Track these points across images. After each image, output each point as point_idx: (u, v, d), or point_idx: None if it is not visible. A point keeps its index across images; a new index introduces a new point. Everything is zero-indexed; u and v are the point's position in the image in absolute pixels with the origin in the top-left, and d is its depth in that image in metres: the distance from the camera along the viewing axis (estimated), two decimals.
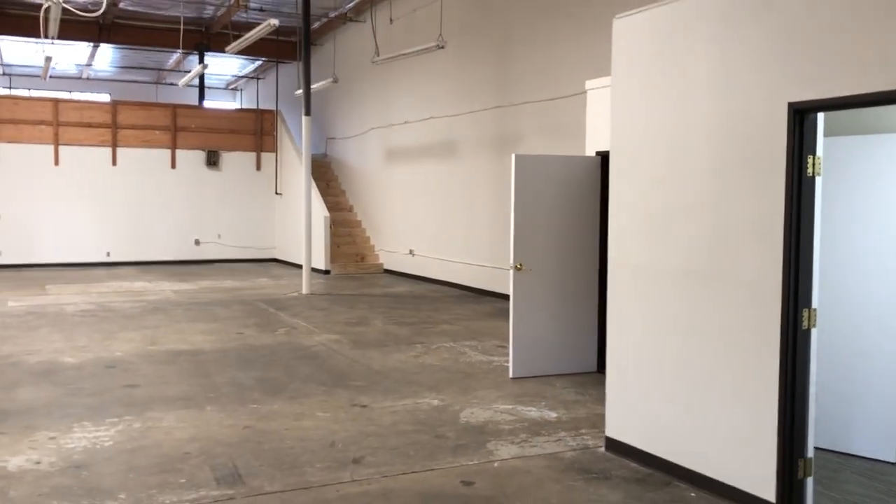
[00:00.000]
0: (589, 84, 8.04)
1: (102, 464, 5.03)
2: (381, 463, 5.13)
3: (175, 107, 19.92)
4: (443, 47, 11.77)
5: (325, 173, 20.27)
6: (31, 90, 26.24)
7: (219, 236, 19.89)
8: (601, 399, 6.70)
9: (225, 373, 7.68)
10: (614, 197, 5.39)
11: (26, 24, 18.88)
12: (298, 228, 18.72)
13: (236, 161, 20.15)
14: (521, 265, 7.51)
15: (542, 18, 12.34)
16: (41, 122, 18.26)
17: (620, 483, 4.85)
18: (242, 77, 27.50)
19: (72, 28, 17.52)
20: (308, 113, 13.88)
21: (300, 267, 18.20)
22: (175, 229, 19.44)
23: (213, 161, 19.81)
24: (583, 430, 5.93)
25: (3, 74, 25.87)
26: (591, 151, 7.98)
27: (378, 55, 13.59)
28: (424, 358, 8.45)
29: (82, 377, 7.41)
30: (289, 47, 20.24)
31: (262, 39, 19.86)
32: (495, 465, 5.14)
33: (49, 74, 26.06)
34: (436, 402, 6.67)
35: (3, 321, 10.51)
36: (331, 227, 17.52)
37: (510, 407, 6.53)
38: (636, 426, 5.23)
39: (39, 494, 4.51)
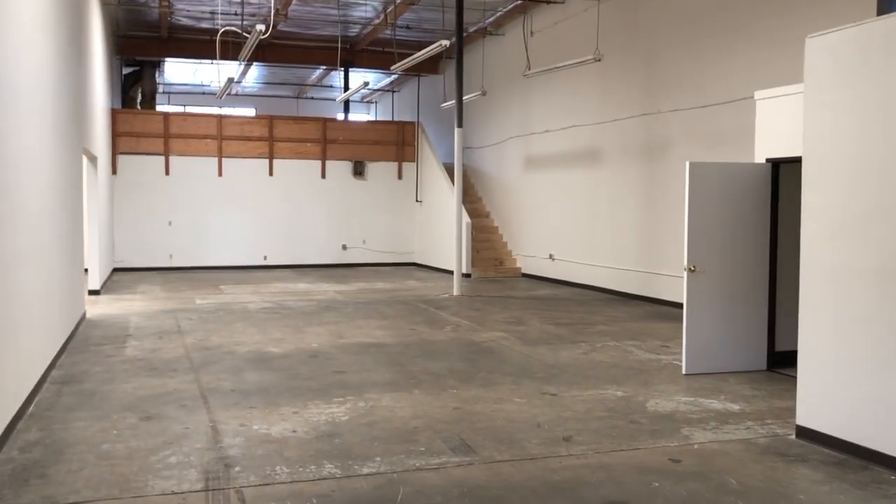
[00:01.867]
0: (758, 94, 8.39)
1: (348, 434, 5.83)
2: (589, 442, 5.71)
3: (325, 120, 21.22)
4: (599, 60, 12.28)
5: (462, 181, 21.05)
6: (186, 106, 28.42)
7: (363, 242, 21.03)
8: (777, 394, 7.09)
9: (416, 363, 8.46)
10: (807, 202, 5.79)
11: (188, 47, 20.65)
12: (439, 234, 19.69)
13: (379, 171, 21.25)
14: (694, 267, 7.94)
15: (688, 27, 12.67)
16: (207, 137, 19.88)
17: (819, 465, 5.25)
18: (378, 90, 28.78)
19: (234, 49, 19.03)
20: (461, 125, 14.65)
21: (441, 270, 19.20)
22: (325, 235, 20.71)
23: (359, 171, 20.98)
24: (768, 421, 6.33)
25: (163, 93, 28.08)
26: (760, 158, 8.32)
27: (529, 68, 14.23)
28: (593, 355, 8.98)
29: (293, 365, 8.35)
30: (428, 62, 21.19)
31: (397, 56, 21.03)
32: (695, 447, 5.63)
33: (204, 91, 28.17)
34: (619, 393, 7.20)
35: (202, 317, 11.73)
36: (472, 233, 18.27)
37: (691, 399, 6.99)
38: (829, 415, 5.61)
39: (310, 455, 5.33)
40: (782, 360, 8.30)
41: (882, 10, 6.17)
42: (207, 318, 11.64)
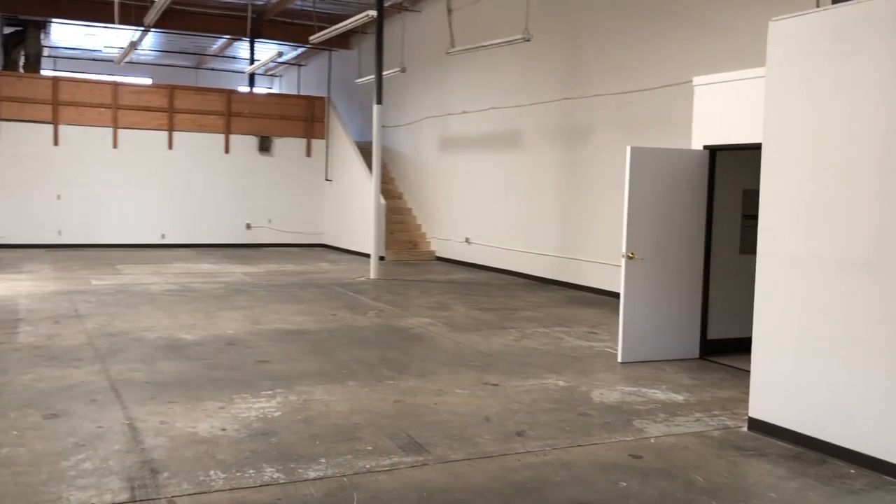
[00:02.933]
0: (697, 80, 8.30)
1: (284, 432, 5.34)
2: (543, 437, 5.43)
3: (230, 92, 20.21)
4: (528, 40, 12.02)
5: None
6: (76, 73, 26.57)
7: (269, 221, 20.20)
8: (716, 384, 7.03)
9: (344, 351, 7.99)
10: (767, 189, 5.66)
11: (81, 8, 19.19)
12: (350, 214, 19.12)
13: (287, 147, 20.43)
14: (633, 254, 7.79)
15: (614, 12, 12.57)
16: (101, 105, 18.56)
17: (778, 460, 5.15)
18: (283, 64, 27.73)
19: (130, 13, 17.78)
20: (380, 102, 14.13)
21: (352, 253, 18.67)
22: (227, 213, 19.76)
23: (265, 147, 20.10)
24: (716, 412, 6.23)
25: (49, 56, 26.12)
26: (697, 145, 8.24)
27: (453, 46, 13.84)
28: (525, 342, 8.75)
29: (211, 353, 7.73)
30: (339, 37, 20.47)
31: (308, 28, 20.21)
32: (651, 441, 5.44)
33: (96, 57, 26.38)
34: (561, 383, 6.97)
35: (101, 299, 10.84)
36: (385, 215, 17.80)
37: (634, 389, 6.83)
38: (784, 407, 5.52)
39: (246, 458, 4.82)
40: (714, 349, 8.29)
41: None
42: (107, 300, 10.76)
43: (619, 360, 7.86)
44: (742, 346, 8.50)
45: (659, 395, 6.67)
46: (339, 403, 6.09)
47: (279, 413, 5.78)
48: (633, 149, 7.75)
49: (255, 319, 9.65)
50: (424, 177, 18.86)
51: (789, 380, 5.50)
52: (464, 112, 16.86)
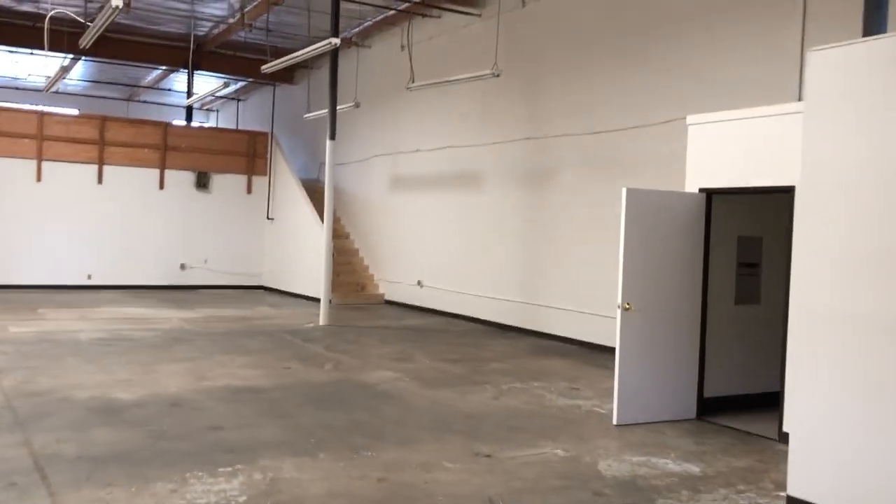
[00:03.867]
0: (691, 119, 7.78)
1: None
2: None
3: (166, 125, 19.08)
4: (498, 75, 11.43)
5: (319, 199, 19.49)
6: None
7: (205, 261, 18.99)
8: (727, 450, 6.37)
9: (307, 413, 7.05)
10: (801, 237, 5.07)
11: (7, 33, 17.89)
12: (293, 255, 18.12)
13: (226, 183, 19.35)
14: (629, 305, 7.12)
15: (579, 50, 12.12)
16: (24, 136, 17.19)
17: None
18: (221, 98, 26.65)
19: (62, 39, 16.60)
20: (333, 137, 13.33)
21: (294, 296, 17.63)
22: (161, 253, 18.48)
23: (202, 183, 18.98)
24: (740, 487, 5.54)
25: None
26: (691, 188, 7.69)
27: (413, 81, 13.17)
28: (505, 400, 7.95)
29: (154, 417, 6.69)
30: (284, 71, 19.65)
31: (250, 61, 19.31)
32: None
33: (17, 86, 24.86)
34: (560, 452, 6.19)
35: (20, 350, 9.60)
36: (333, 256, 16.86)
37: (643, 459, 6.10)
38: (826, 485, 4.86)
39: None
40: (711, 407, 7.66)
41: (870, 30, 5.63)
42: (28, 351, 9.53)
43: (615, 422, 7.14)
44: (738, 405, 7.92)
45: (672, 465, 5.95)
46: (314, 484, 5.17)
47: (244, 498, 4.83)
48: (629, 191, 7.14)
49: (200, 374, 8.60)
50: (373, 216, 18.03)
51: (835, 455, 4.85)
52: (417, 150, 16.17)
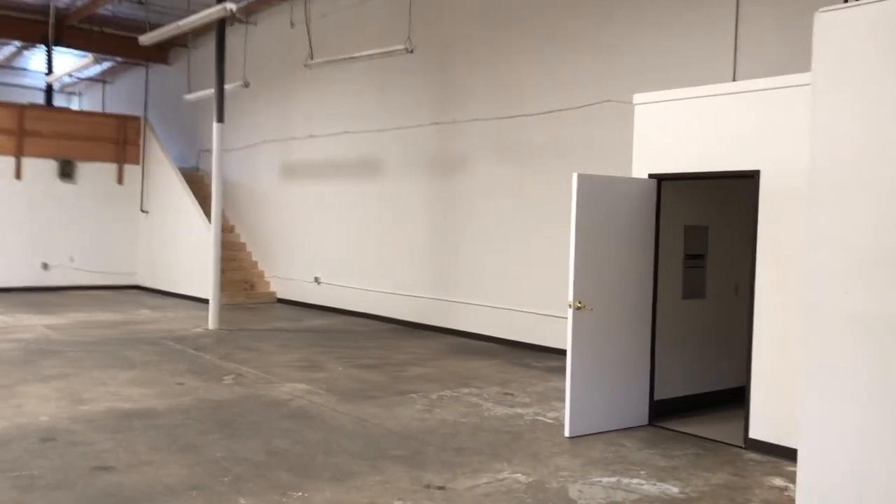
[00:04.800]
0: (638, 98, 7.12)
1: None
2: None
3: (23, 108, 16.97)
4: (411, 51, 10.45)
5: (199, 189, 17.98)
6: None
7: (71, 259, 17.08)
8: (697, 464, 5.76)
9: (212, 443, 5.92)
10: (816, 227, 4.42)
11: None
12: (172, 251, 16.55)
13: (94, 173, 17.46)
14: (581, 303, 6.39)
15: (492, 29, 11.36)
16: None
17: None
18: (85, 80, 24.32)
19: None
20: (221, 119, 12.02)
21: (175, 296, 16.09)
22: (19, 251, 16.43)
23: (66, 172, 17.03)
24: None
25: None
26: (639, 174, 7.04)
27: (311, 58, 11.98)
28: (439, 413, 7.08)
29: (20, 459, 5.39)
30: (156, 50, 17.98)
31: (120, 38, 17.51)
32: None
33: None
34: (521, 476, 5.37)
35: None
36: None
37: (613, 480, 5.37)
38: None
39: None
40: (661, 411, 7.07)
41: None
42: None
43: (567, 434, 6.40)
44: (687, 406, 7.38)
45: (647, 486, 5.25)
46: None
47: None
48: (580, 177, 6.39)
49: (75, 396, 7.26)
50: (262, 208, 16.69)
51: (852, 473, 4.25)
52: (311, 136, 14.99)
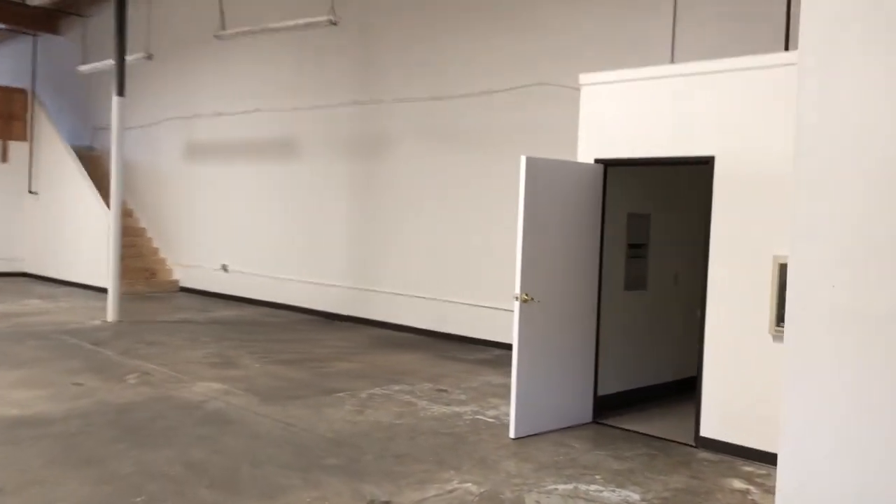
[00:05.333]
0: (584, 79, 6.74)
1: None
2: None
3: None
4: (335, 23, 9.75)
5: (94, 169, 16.69)
6: None
7: None
8: (650, 465, 5.46)
9: (119, 455, 5.21)
10: (802, 216, 4.10)
11: None
12: (64, 236, 15.32)
13: None
14: (528, 295, 5.97)
15: (419, 4, 10.81)
16: None
17: None
18: None
19: None
20: (122, 93, 11.03)
21: (67, 284, 14.89)
22: None
23: None
24: None
25: None
26: (585, 158, 6.67)
27: (224, 27, 11.10)
28: (371, 414, 6.54)
29: None
30: (45, 17, 16.60)
31: (3, 3, 16.00)
32: None
33: None
34: (470, 485, 4.91)
35: None
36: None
37: (570, 487, 4.98)
38: None
39: None
40: (603, 407, 6.75)
41: None
42: None
43: (512, 435, 5.99)
44: (628, 402, 7.10)
45: (607, 493, 4.89)
46: None
47: None
48: (528, 160, 5.95)
49: None
50: (164, 190, 15.61)
51: (830, 484, 3.97)
52: (219, 114, 14.05)
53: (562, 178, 6.23)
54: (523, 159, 5.92)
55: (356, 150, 11.69)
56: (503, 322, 9.62)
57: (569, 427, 6.37)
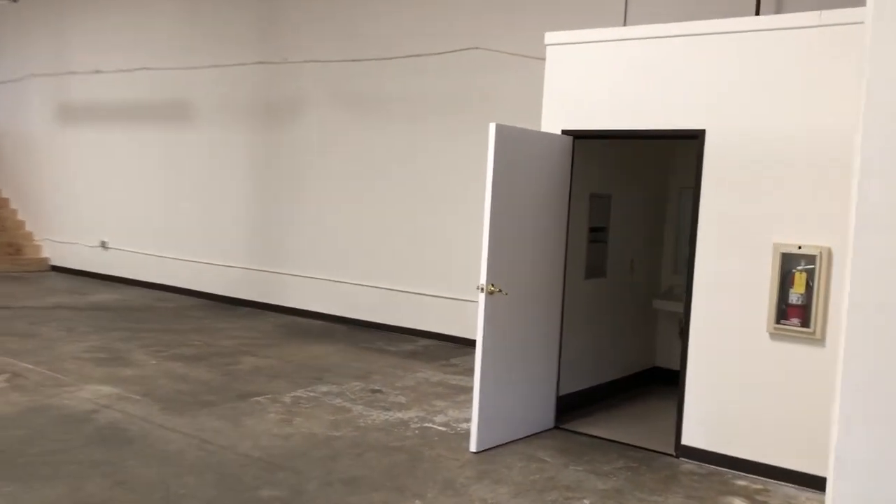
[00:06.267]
0: (551, 38, 5.91)
1: None
2: None
3: None
4: None
5: None
6: None
7: None
8: (636, 480, 4.84)
9: None
10: (867, 203, 3.42)
11: None
12: None
13: None
14: (494, 286, 5.13)
15: None
16: None
17: None
18: None
19: None
20: None
21: None
22: None
23: None
24: None
25: None
26: (550, 129, 5.86)
27: None
28: (302, 424, 5.55)
29: None
30: None
31: None
32: None
33: None
34: None
35: None
36: None
37: None
38: None
39: None
40: (564, 409, 6.03)
41: None
42: None
43: (474, 448, 5.15)
44: (587, 401, 6.41)
45: None
46: None
47: None
48: (498, 128, 5.08)
49: None
50: (30, 156, 13.75)
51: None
52: (97, 71, 12.40)
53: (531, 152, 5.40)
54: (492, 127, 5.04)
55: (260, 117, 10.47)
56: (431, 309, 8.79)
57: (532, 435, 5.60)
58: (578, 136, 5.78)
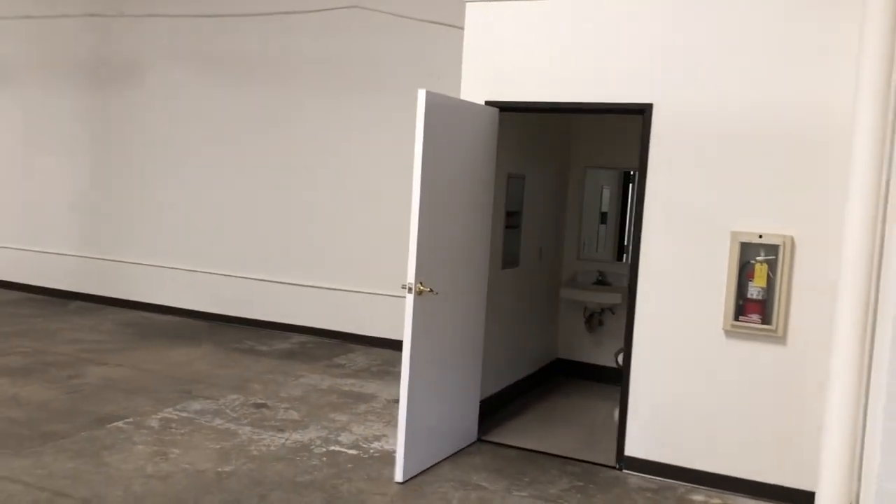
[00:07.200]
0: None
1: None
2: None
3: None
4: None
5: None
6: None
7: None
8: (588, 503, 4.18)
9: None
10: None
11: None
12: None
13: None
14: (423, 285, 4.31)
15: None
16: None
17: None
18: None
19: None
20: None
21: None
22: None
23: None
24: None
25: None
26: (471, 98, 5.09)
27: None
28: (181, 458, 4.49)
29: None
30: None
31: None
32: None
33: None
34: None
35: None
36: None
37: None
38: None
39: None
40: (485, 416, 5.35)
41: None
42: None
43: (400, 478, 4.34)
44: (500, 404, 5.75)
45: None
46: None
47: None
48: (429, 95, 4.23)
49: None
50: None
51: None
52: None
53: (459, 126, 4.60)
54: (422, 94, 4.19)
55: (91, 80, 8.94)
56: (304, 302, 7.82)
57: (458, 452, 4.87)
58: (504, 109, 5.05)
